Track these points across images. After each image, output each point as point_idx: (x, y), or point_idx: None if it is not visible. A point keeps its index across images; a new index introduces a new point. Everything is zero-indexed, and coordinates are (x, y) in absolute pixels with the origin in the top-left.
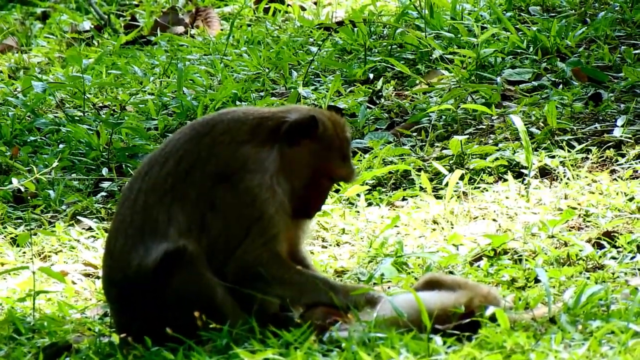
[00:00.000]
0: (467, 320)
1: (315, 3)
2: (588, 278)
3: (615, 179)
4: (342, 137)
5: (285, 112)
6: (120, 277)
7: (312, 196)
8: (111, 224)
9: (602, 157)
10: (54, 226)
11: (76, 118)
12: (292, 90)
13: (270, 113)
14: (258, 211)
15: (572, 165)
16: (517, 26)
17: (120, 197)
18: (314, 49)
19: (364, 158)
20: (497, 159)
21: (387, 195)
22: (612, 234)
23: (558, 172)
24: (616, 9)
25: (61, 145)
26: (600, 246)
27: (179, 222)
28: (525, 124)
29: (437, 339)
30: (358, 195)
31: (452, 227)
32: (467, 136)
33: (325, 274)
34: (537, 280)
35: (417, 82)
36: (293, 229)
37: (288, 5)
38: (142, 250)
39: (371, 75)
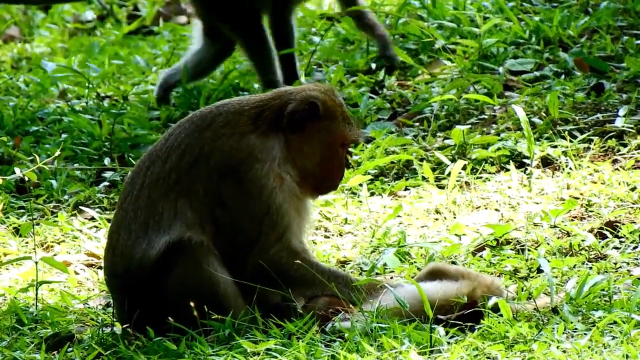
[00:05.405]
0: (470, 310)
1: None
2: (590, 268)
3: (617, 169)
4: (338, 103)
5: (280, 99)
6: (123, 270)
7: (331, 168)
8: (113, 218)
9: (604, 147)
10: (57, 216)
11: (78, 108)
12: (295, 80)
13: (265, 101)
14: (265, 204)
15: (574, 155)
16: (520, 16)
17: (122, 191)
18: (317, 39)
19: (366, 148)
20: (499, 148)
21: (389, 185)
22: (614, 224)
23: (560, 162)
24: None
25: (63, 135)
26: (603, 236)
27: (187, 216)
28: (527, 114)
29: (440, 329)
30: (360, 185)
31: (455, 217)
32: (470, 126)
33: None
34: (539, 271)
35: (420, 72)
36: (298, 218)
37: None
38: (145, 243)
39: (373, 66)
